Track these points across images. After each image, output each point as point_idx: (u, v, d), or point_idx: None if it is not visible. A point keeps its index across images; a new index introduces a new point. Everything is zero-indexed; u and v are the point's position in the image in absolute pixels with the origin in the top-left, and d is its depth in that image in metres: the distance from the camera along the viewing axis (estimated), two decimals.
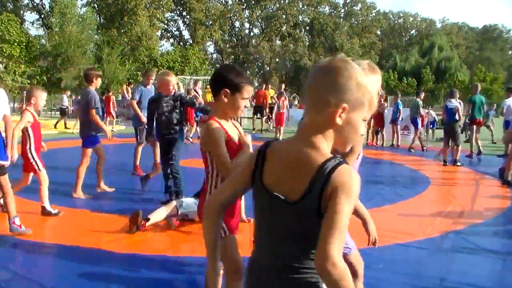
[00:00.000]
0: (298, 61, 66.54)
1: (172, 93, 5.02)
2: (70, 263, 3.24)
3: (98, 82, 5.43)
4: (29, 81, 31.92)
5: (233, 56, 68.87)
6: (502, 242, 4.14)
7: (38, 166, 4.40)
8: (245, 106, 2.20)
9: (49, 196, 4.44)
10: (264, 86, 16.16)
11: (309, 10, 69.81)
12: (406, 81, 52.84)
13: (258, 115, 15.81)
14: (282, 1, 66.89)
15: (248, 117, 17.63)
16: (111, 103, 15.70)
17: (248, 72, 62.89)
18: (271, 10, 67.61)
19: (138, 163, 6.91)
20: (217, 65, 65.38)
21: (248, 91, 2.17)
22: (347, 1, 72.92)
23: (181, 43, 62.21)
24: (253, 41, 67.55)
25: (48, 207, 4.43)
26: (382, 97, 12.11)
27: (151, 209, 4.86)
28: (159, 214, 4.11)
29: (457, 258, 3.57)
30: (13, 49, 31.11)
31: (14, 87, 31.24)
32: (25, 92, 4.19)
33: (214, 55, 69.68)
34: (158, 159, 5.97)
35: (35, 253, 3.41)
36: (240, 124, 3.85)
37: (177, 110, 5.01)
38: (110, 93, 16.59)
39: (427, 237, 4.08)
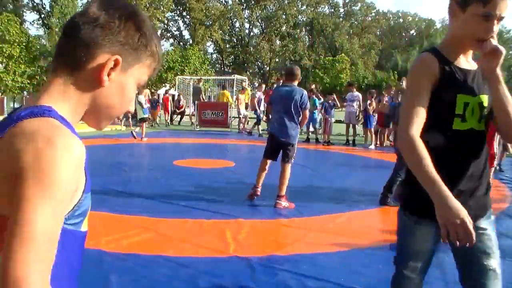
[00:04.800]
0: (298, 61, 66.53)
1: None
2: None
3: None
4: (29, 81, 31.95)
5: (233, 56, 68.87)
6: (502, 242, 4.15)
7: None
8: None
9: None
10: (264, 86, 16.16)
11: (309, 10, 69.85)
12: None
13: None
14: (282, 1, 66.89)
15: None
16: (169, 102, 19.76)
17: (248, 72, 62.91)
18: (271, 10, 67.61)
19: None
20: (217, 65, 65.57)
21: None
22: (347, 1, 72.94)
23: (181, 43, 62.21)
24: (253, 41, 67.58)
25: None
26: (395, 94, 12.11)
27: (150, 208, 4.86)
28: None
29: None
30: (13, 49, 31.10)
31: (14, 87, 31.25)
32: None
33: (214, 55, 69.63)
34: None
35: None
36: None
37: None
38: (168, 94, 20.65)
39: None
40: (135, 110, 17.72)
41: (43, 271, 0.71)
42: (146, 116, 12.84)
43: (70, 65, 0.86)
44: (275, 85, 13.84)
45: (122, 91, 0.91)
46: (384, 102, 12.44)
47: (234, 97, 17.52)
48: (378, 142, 12.48)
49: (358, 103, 12.78)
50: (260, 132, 14.13)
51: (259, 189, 5.22)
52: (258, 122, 14.46)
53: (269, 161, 5.30)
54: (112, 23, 0.86)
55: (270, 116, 5.47)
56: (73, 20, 0.88)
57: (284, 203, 5.03)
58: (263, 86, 16.79)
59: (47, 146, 0.74)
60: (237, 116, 16.66)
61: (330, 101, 12.89)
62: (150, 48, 0.92)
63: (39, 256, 0.70)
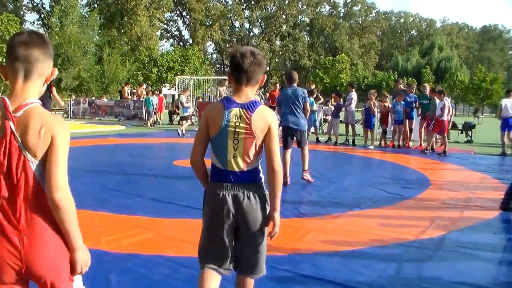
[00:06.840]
0: (297, 61, 66.53)
1: None
2: None
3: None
4: None
5: None
6: (502, 242, 4.15)
7: None
8: None
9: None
10: (278, 86, 16.12)
11: (309, 10, 69.84)
12: (406, 81, 52.86)
13: None
14: (282, 1, 66.87)
15: None
16: (162, 102, 20.58)
17: None
18: (271, 10, 67.60)
19: None
20: (217, 65, 65.57)
21: None
22: (347, 1, 72.92)
23: (181, 43, 62.21)
24: (253, 41, 67.58)
25: None
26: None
27: (150, 208, 4.87)
28: None
29: (457, 258, 3.57)
30: None
31: None
32: None
33: (214, 55, 69.65)
34: None
35: None
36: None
37: None
38: (162, 94, 21.30)
39: (427, 237, 4.08)
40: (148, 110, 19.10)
41: None
42: (186, 114, 14.48)
43: (256, 83, 2.02)
44: (277, 89, 15.12)
45: None
46: (386, 103, 12.42)
47: None
48: (382, 143, 12.48)
49: (349, 103, 12.82)
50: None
51: (288, 179, 6.26)
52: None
53: (290, 151, 6.38)
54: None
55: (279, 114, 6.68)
56: (258, 58, 1.98)
57: (308, 175, 6.47)
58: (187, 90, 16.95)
59: (276, 117, 2.02)
60: None
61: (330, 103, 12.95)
62: None
63: None
